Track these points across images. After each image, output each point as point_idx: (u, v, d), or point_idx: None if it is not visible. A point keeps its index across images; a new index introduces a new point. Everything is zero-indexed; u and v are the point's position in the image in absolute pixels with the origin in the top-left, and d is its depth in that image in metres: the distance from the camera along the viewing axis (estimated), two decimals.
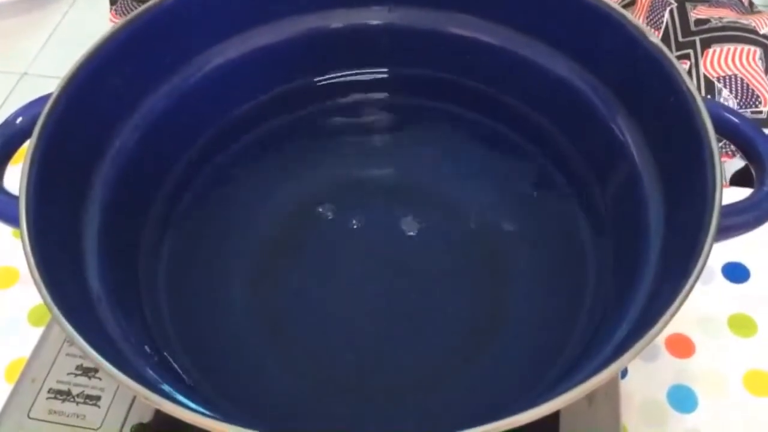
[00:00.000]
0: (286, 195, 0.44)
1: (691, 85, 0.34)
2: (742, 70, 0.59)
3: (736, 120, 0.35)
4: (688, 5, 0.64)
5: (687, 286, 0.29)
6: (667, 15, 0.64)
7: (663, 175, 0.36)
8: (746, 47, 0.60)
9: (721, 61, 0.59)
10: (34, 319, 0.46)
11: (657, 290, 0.32)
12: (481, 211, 0.43)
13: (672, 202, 0.35)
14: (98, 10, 1.30)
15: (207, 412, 0.27)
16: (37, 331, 0.42)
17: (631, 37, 0.37)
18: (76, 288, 0.33)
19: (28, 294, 0.47)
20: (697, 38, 0.61)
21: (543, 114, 0.43)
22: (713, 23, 0.62)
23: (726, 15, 0.64)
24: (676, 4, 0.65)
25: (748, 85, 0.59)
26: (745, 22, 0.62)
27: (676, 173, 0.35)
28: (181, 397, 0.30)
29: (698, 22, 0.62)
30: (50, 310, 0.29)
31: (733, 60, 0.59)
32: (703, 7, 0.65)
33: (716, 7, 0.65)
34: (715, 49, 0.60)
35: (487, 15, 0.42)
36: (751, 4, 0.70)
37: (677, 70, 0.35)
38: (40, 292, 0.30)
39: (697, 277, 0.29)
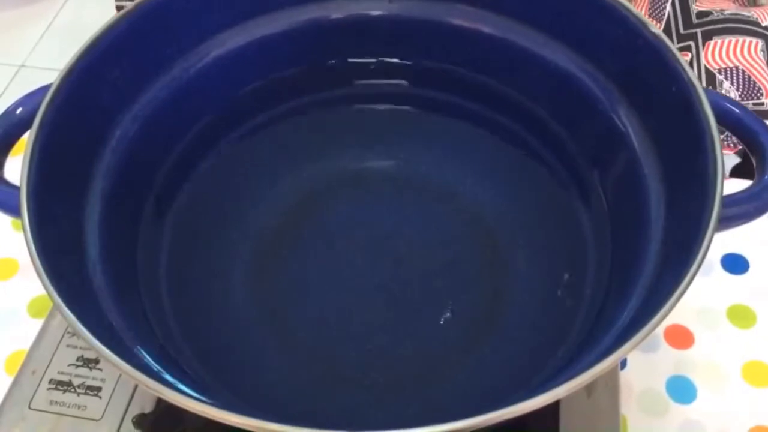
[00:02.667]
0: (286, 185, 0.44)
1: (693, 75, 0.34)
2: (744, 62, 0.58)
3: (738, 111, 0.35)
4: None
5: (688, 276, 0.29)
6: (668, 7, 0.63)
7: (664, 165, 0.36)
8: (748, 39, 0.59)
9: (722, 53, 0.59)
10: (33, 310, 0.46)
11: (658, 280, 0.32)
12: (481, 201, 0.43)
13: (673, 192, 0.35)
14: (95, 1, 1.30)
15: (208, 400, 0.27)
16: (37, 323, 0.42)
17: (632, 27, 0.37)
18: (78, 278, 0.33)
19: (27, 285, 0.47)
20: (698, 30, 0.61)
21: (543, 104, 0.43)
22: (715, 15, 0.61)
23: (728, 7, 0.63)
24: None
25: (749, 76, 0.59)
26: (746, 14, 0.62)
27: (677, 163, 0.35)
28: (182, 386, 0.30)
29: (700, 14, 0.62)
30: (52, 299, 0.29)
31: (734, 52, 0.59)
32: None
33: None
34: (716, 41, 0.59)
35: (488, 5, 0.42)
36: None
37: (678, 61, 0.35)
38: (42, 282, 0.30)
39: (698, 268, 0.29)
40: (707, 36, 0.60)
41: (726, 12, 0.62)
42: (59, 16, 1.31)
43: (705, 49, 0.60)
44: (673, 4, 0.64)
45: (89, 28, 0.37)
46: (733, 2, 0.66)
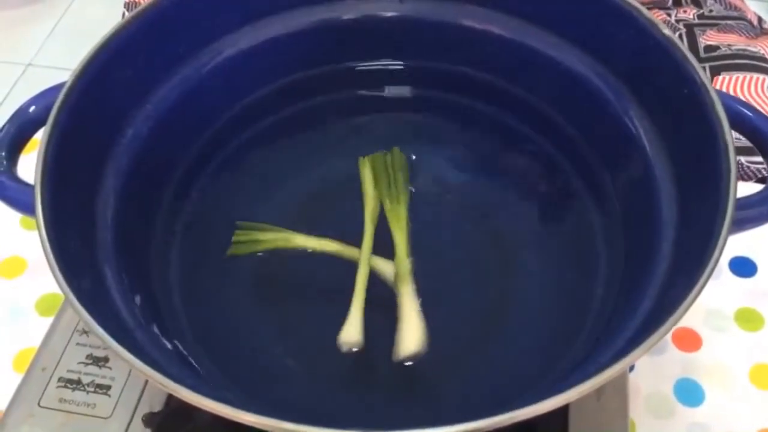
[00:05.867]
0: (295, 184, 0.44)
1: (705, 77, 0.34)
2: (750, 100, 0.59)
3: (750, 114, 0.35)
4: (697, 30, 0.64)
5: (702, 280, 0.29)
6: None
7: (676, 167, 0.36)
8: (755, 75, 0.60)
9: (729, 90, 0.59)
10: (42, 308, 0.46)
11: (670, 282, 0.32)
12: (492, 202, 0.44)
13: (686, 194, 0.35)
14: (102, 0, 1.30)
15: (221, 398, 0.27)
16: (45, 321, 0.42)
17: (644, 29, 0.37)
18: (91, 276, 0.33)
19: (36, 284, 0.47)
20: (706, 65, 0.61)
21: (554, 106, 0.43)
22: (722, 50, 0.62)
23: (735, 41, 0.63)
24: (685, 30, 0.65)
25: None
26: (753, 49, 0.62)
27: (690, 165, 0.35)
28: (195, 384, 0.30)
29: (708, 48, 0.62)
30: (67, 297, 0.29)
31: (741, 88, 0.59)
32: (712, 32, 0.64)
33: (725, 32, 0.65)
34: (724, 77, 0.60)
35: (498, 6, 0.42)
36: (760, 21, 0.69)
37: (690, 63, 0.35)
38: (56, 279, 0.30)
39: (712, 271, 0.29)
40: (715, 71, 0.61)
41: (733, 47, 0.62)
42: (66, 14, 1.32)
43: (713, 85, 0.60)
44: (680, 37, 0.64)
45: (96, 27, 0.37)
46: (740, 35, 0.66)
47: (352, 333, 0.37)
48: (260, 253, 0.41)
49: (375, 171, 0.42)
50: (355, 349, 0.37)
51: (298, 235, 0.40)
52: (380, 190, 0.41)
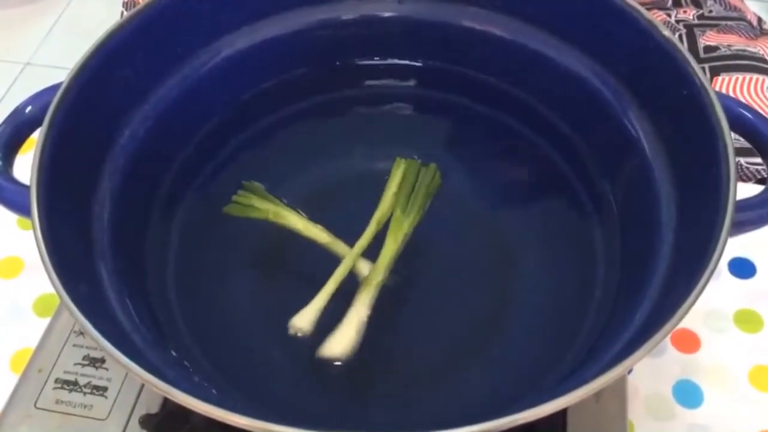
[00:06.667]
0: (294, 185, 0.44)
1: (704, 79, 0.34)
2: (750, 100, 0.58)
3: (750, 115, 0.35)
4: (697, 31, 0.64)
5: (702, 281, 0.29)
6: None
7: (676, 169, 0.36)
8: (755, 76, 0.59)
9: (729, 91, 0.59)
10: (39, 309, 0.46)
11: (670, 284, 0.32)
12: (491, 204, 0.43)
13: (685, 196, 0.35)
14: (101, 0, 1.30)
15: (215, 401, 0.27)
16: (42, 322, 0.42)
17: (643, 30, 0.37)
18: (87, 278, 0.33)
19: (33, 284, 0.47)
20: (706, 66, 0.61)
21: (553, 107, 0.43)
22: (722, 51, 0.62)
23: (735, 42, 0.63)
24: (684, 30, 0.65)
25: None
26: (753, 50, 0.62)
27: (689, 167, 0.35)
28: (189, 386, 0.30)
29: (707, 48, 0.62)
30: (62, 299, 0.29)
31: (741, 89, 0.59)
32: (712, 33, 0.64)
33: (725, 33, 0.65)
34: (724, 78, 0.60)
35: (499, 8, 0.42)
36: (760, 21, 0.69)
37: (690, 64, 0.35)
38: (52, 281, 0.30)
39: (712, 273, 0.29)
40: (715, 72, 0.61)
41: (733, 48, 0.62)
42: (65, 13, 1.32)
43: (712, 85, 0.60)
44: (680, 37, 0.64)
45: (95, 26, 0.37)
46: (740, 36, 0.66)
47: (303, 320, 0.37)
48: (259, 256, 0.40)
49: (404, 176, 0.41)
50: (300, 335, 0.37)
51: (292, 214, 0.40)
52: (398, 197, 0.41)
